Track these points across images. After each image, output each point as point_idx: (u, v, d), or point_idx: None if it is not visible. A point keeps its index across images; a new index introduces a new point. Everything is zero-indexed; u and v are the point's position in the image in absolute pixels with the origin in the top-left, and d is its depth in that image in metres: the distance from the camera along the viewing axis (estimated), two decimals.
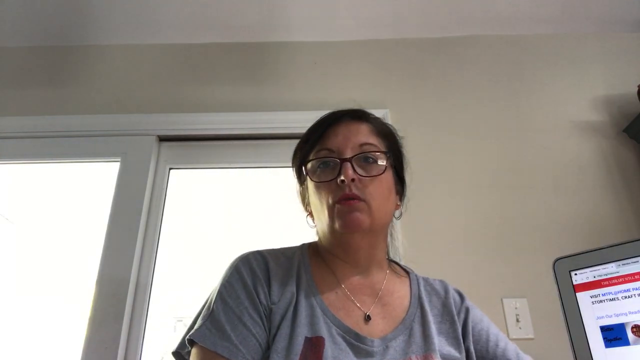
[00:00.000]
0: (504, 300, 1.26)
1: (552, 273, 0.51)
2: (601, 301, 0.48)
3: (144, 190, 1.43)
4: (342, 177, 0.69)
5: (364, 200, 0.69)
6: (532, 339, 1.22)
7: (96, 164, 1.57)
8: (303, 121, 1.48)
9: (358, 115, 0.79)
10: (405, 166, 0.82)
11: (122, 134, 1.51)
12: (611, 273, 0.49)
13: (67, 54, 1.67)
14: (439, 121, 1.52)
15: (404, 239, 1.32)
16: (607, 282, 0.49)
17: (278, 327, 0.63)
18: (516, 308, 1.25)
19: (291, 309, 0.65)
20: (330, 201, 0.69)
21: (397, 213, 0.79)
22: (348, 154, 0.71)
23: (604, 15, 1.60)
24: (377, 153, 0.73)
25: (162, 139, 1.55)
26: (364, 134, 0.75)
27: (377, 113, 1.50)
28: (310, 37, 1.67)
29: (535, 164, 1.45)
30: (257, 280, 0.67)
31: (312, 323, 0.64)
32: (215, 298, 0.67)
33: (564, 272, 0.52)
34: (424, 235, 1.34)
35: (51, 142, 1.52)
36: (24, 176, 1.80)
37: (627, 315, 0.46)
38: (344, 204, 0.68)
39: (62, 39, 1.66)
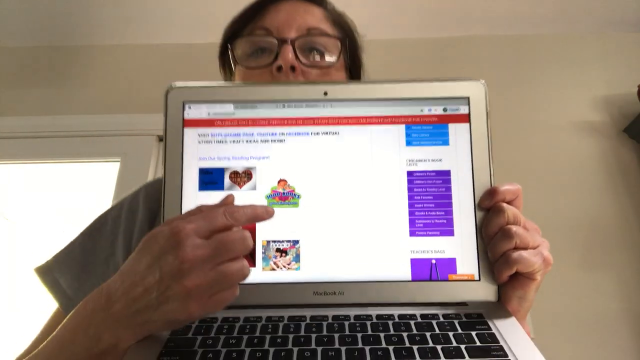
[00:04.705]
0: None
1: (163, 101, 0.45)
2: (208, 142, 0.45)
3: None
4: (280, 62, 0.55)
5: None
6: (532, 339, 1.22)
7: (96, 164, 1.57)
8: None
9: None
10: (362, 73, 0.69)
11: (122, 134, 1.51)
12: (227, 114, 0.45)
13: (67, 54, 1.67)
14: None
15: None
16: (220, 123, 0.45)
17: None
18: None
19: None
20: None
21: None
22: (291, 35, 0.56)
23: (604, 15, 1.60)
24: (328, 39, 0.58)
25: (162, 139, 1.55)
26: (314, 17, 0.60)
27: None
28: None
29: (534, 163, 1.45)
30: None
31: None
32: None
33: (177, 102, 0.46)
34: None
35: (51, 142, 1.52)
36: (24, 176, 1.80)
37: (229, 160, 0.45)
38: None
39: (62, 39, 1.66)
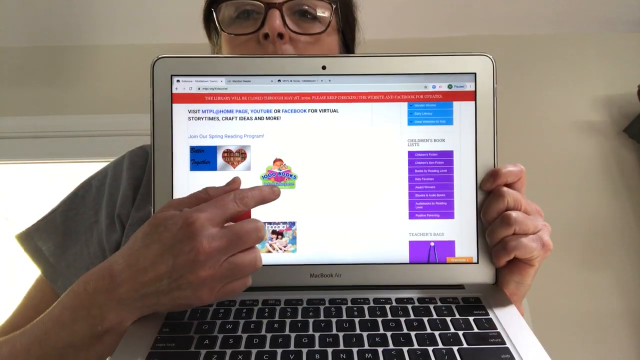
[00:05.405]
0: None
1: (149, 74, 0.42)
2: (199, 118, 0.42)
3: None
4: (266, 30, 0.51)
5: None
6: None
7: (96, 164, 1.57)
8: None
9: None
10: (356, 38, 0.66)
11: (122, 134, 1.51)
12: (219, 88, 0.43)
13: (67, 54, 1.67)
14: None
15: None
16: (211, 98, 0.43)
17: None
18: None
19: None
20: None
21: None
22: None
23: (604, 15, 1.60)
24: (318, 1, 0.54)
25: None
26: None
27: None
28: None
29: (534, 163, 1.45)
30: None
31: None
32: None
33: (165, 75, 0.43)
34: None
35: (51, 142, 1.52)
36: (24, 176, 1.80)
37: (222, 138, 0.42)
38: None
39: (62, 39, 1.66)
